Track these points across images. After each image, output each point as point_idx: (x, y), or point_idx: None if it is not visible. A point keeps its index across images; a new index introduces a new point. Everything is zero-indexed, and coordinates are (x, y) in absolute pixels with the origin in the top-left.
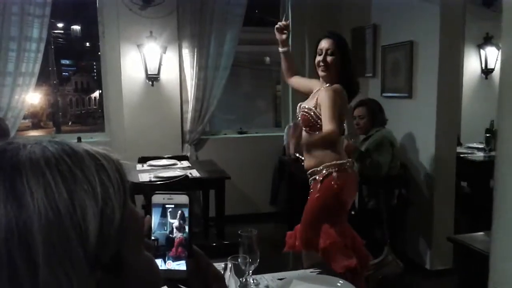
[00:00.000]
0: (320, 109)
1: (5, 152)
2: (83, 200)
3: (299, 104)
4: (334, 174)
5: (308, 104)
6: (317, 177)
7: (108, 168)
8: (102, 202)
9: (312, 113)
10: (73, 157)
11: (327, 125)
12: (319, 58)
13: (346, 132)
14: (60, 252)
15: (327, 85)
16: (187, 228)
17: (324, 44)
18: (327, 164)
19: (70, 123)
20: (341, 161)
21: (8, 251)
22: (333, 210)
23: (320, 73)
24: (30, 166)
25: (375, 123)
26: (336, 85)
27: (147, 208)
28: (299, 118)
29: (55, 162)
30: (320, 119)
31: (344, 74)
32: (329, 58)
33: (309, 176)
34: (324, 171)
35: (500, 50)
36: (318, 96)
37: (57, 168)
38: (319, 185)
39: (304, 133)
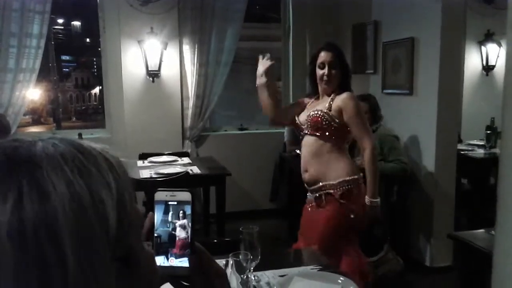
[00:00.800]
0: (335, 113)
1: (17, 148)
2: (101, 193)
3: (307, 108)
4: (355, 191)
5: (319, 107)
6: (333, 193)
7: (116, 165)
8: (117, 195)
9: (327, 116)
10: (85, 154)
11: (366, 140)
12: (322, 71)
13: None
14: (86, 242)
15: (336, 92)
16: (189, 225)
17: (325, 57)
18: (346, 178)
19: (73, 119)
20: (356, 176)
21: (37, 243)
22: (351, 230)
23: (323, 85)
24: (48, 160)
25: (375, 119)
26: (350, 93)
27: (149, 205)
28: (305, 124)
29: (70, 157)
30: (335, 121)
31: (345, 85)
32: (333, 72)
33: (316, 188)
34: (343, 187)
35: (501, 47)
36: (333, 102)
37: (73, 163)
38: (338, 204)
39: (310, 138)
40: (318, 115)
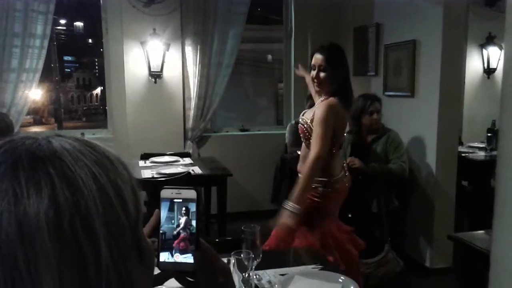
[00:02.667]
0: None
1: (39, 144)
2: (120, 185)
3: (302, 112)
4: (320, 189)
5: (307, 115)
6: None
7: (118, 159)
8: (131, 188)
9: (307, 126)
10: (95, 149)
11: (314, 149)
12: (312, 73)
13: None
14: (116, 233)
15: (323, 98)
16: (194, 222)
17: (316, 59)
18: (318, 178)
19: (81, 119)
20: (329, 179)
21: (73, 232)
22: (314, 221)
23: (315, 88)
24: (70, 155)
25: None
26: (331, 99)
27: (151, 205)
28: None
29: (86, 152)
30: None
31: (337, 89)
32: (321, 74)
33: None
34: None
35: (502, 50)
36: (315, 110)
37: (90, 157)
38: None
39: (303, 146)
40: (302, 126)
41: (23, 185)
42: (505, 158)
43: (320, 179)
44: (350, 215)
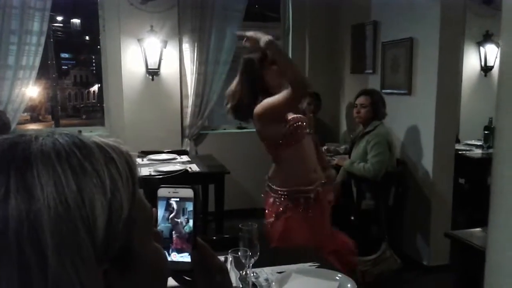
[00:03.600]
0: None
1: (17, 144)
2: (92, 193)
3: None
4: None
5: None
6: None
7: (117, 161)
8: (110, 195)
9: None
10: (83, 150)
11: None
12: None
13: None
14: (69, 244)
15: None
16: (191, 221)
17: None
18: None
19: (78, 116)
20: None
21: (18, 242)
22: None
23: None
24: (41, 159)
25: (376, 116)
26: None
27: (151, 202)
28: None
29: (65, 155)
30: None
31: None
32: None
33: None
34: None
35: (499, 48)
36: None
37: (67, 161)
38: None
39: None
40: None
41: None
42: (501, 155)
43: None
44: (352, 218)
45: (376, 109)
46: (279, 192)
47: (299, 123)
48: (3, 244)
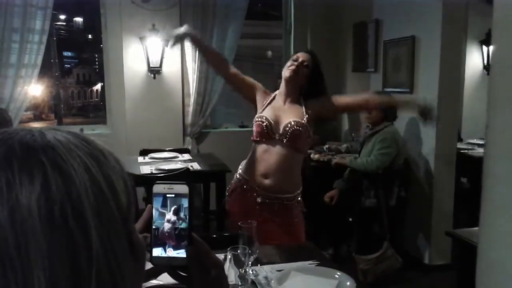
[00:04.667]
0: (310, 123)
1: (33, 136)
2: (112, 177)
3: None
4: (300, 199)
5: (293, 117)
6: (289, 204)
7: (110, 153)
8: (123, 182)
9: (304, 127)
10: (88, 142)
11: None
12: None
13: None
14: (107, 223)
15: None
16: (187, 217)
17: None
18: (299, 191)
19: (81, 114)
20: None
21: (64, 220)
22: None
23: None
24: (63, 146)
25: (386, 117)
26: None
27: (149, 200)
28: (282, 133)
29: (80, 145)
30: (308, 135)
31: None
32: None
33: (276, 196)
34: (297, 198)
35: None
36: (310, 107)
37: (83, 149)
38: (295, 212)
39: (284, 150)
40: (299, 129)
41: (15, 173)
42: (492, 153)
43: (299, 191)
44: (350, 219)
45: (386, 110)
46: None
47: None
48: (51, 224)
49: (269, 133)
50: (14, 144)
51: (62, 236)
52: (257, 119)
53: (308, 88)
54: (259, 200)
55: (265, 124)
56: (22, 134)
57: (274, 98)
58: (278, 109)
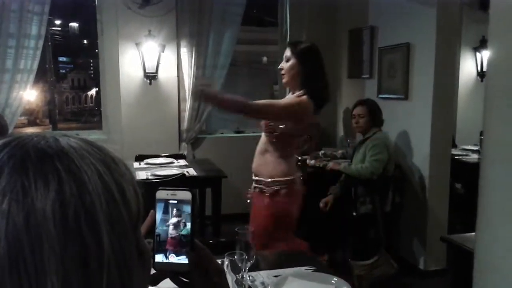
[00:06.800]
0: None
1: (45, 140)
2: (124, 185)
3: None
4: (283, 191)
5: None
6: (265, 190)
7: (123, 162)
8: (133, 188)
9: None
10: (101, 149)
11: (258, 102)
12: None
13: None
14: (119, 231)
15: (291, 93)
16: (189, 223)
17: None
18: (276, 179)
19: (76, 120)
20: (290, 178)
21: (78, 226)
22: (284, 227)
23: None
24: (76, 153)
25: (374, 124)
26: (304, 97)
27: (145, 206)
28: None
29: (92, 151)
30: (278, 127)
31: (307, 83)
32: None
33: (255, 179)
34: (273, 187)
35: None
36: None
37: (95, 156)
38: (267, 200)
39: (263, 136)
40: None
41: (31, 178)
42: (488, 158)
43: (283, 179)
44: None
45: (373, 117)
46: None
47: None
48: (65, 230)
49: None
50: (29, 149)
51: (76, 241)
52: None
53: (304, 76)
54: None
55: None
56: (37, 140)
57: None
58: None
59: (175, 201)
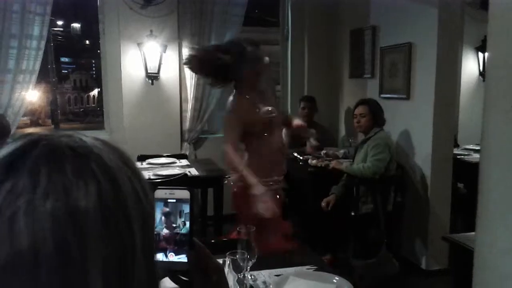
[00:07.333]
0: None
1: (73, 138)
2: (145, 186)
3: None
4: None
5: None
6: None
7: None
8: (148, 189)
9: None
10: (117, 148)
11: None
12: None
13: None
14: (145, 227)
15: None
16: (187, 222)
17: None
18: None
19: (78, 120)
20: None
21: (116, 224)
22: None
23: None
24: (102, 152)
25: (376, 123)
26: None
27: None
28: None
29: (111, 151)
30: None
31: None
32: None
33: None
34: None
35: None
36: None
37: (116, 155)
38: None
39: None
40: None
41: (71, 178)
42: (487, 157)
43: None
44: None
45: (375, 116)
46: None
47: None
48: (107, 227)
49: None
50: (63, 149)
51: (116, 238)
52: None
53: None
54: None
55: None
56: (66, 139)
57: None
58: None
59: (174, 200)
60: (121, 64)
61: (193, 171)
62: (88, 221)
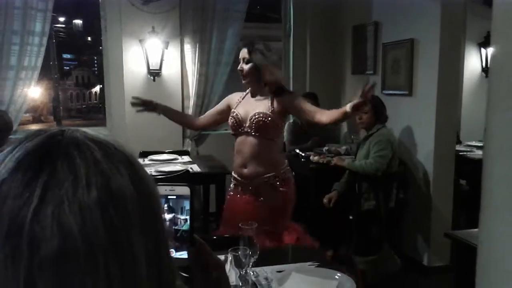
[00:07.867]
0: (276, 115)
1: (85, 133)
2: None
3: (241, 110)
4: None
5: (259, 109)
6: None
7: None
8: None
9: (270, 118)
10: (121, 145)
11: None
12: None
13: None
14: (162, 221)
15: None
16: (188, 218)
17: (242, 53)
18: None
19: (80, 116)
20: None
21: (149, 208)
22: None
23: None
24: (115, 146)
25: (378, 120)
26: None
27: None
28: (249, 124)
29: (120, 147)
30: (277, 125)
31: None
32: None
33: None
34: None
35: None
36: (277, 102)
37: (126, 151)
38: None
39: (252, 139)
40: (262, 119)
41: (105, 164)
42: (491, 154)
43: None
44: (350, 217)
45: (377, 113)
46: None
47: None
48: (142, 211)
49: (238, 126)
50: (85, 140)
51: (151, 227)
52: (229, 116)
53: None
54: (239, 189)
55: (232, 119)
56: (81, 132)
57: (245, 96)
58: (247, 104)
59: (174, 197)
60: (123, 61)
61: (195, 168)
62: (128, 202)
